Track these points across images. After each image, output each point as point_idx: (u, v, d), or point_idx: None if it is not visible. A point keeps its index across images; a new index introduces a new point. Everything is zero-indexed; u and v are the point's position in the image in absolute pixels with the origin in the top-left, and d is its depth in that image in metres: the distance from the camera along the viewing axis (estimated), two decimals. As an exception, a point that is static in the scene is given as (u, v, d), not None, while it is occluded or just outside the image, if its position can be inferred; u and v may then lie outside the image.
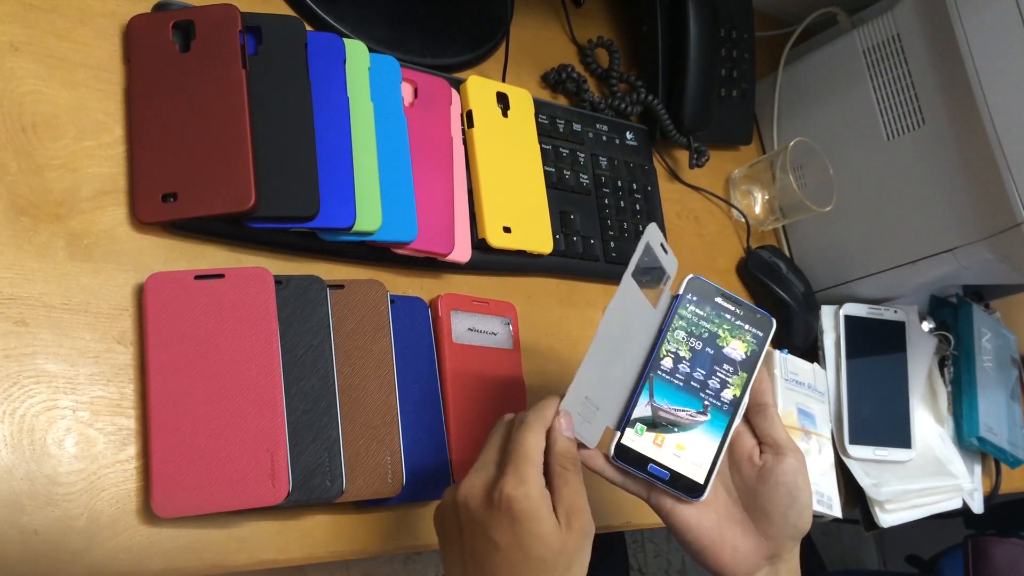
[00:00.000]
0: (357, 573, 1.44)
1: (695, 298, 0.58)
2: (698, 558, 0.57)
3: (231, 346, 0.55)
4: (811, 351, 0.93)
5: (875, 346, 0.94)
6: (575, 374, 0.53)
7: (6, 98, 0.53)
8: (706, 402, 0.56)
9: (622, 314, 0.55)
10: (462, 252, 0.67)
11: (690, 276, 0.58)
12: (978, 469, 1.01)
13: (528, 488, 0.50)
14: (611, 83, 0.89)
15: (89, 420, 0.51)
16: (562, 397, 0.53)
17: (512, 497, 0.50)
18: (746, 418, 0.59)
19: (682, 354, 0.57)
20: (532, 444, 0.52)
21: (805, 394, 0.87)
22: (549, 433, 0.53)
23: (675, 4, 0.86)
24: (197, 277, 0.55)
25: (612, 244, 0.79)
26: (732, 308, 0.58)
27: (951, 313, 1.03)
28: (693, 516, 0.56)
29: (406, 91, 0.69)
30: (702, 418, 0.56)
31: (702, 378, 0.57)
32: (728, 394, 0.57)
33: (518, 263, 0.73)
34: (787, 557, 0.58)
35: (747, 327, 0.58)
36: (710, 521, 0.56)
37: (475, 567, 0.50)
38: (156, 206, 0.55)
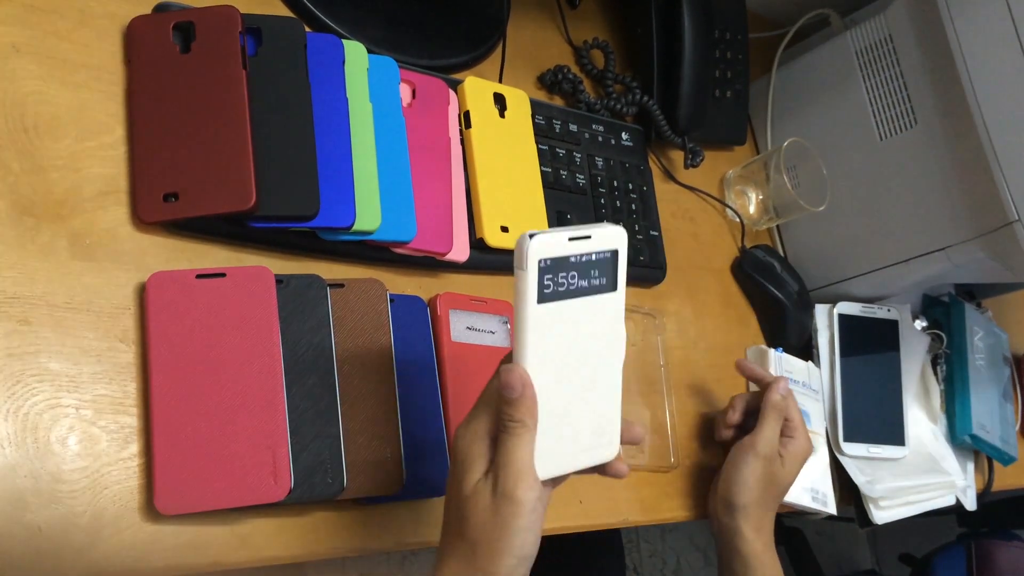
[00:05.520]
0: (354, 573, 1.44)
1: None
2: None
3: (232, 344, 0.55)
4: (805, 349, 0.94)
5: (869, 344, 0.95)
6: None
7: (8, 99, 0.54)
8: None
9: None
10: (460, 251, 0.68)
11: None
12: (971, 466, 1.02)
13: (464, 427, 0.49)
14: (606, 84, 0.89)
15: (92, 418, 0.51)
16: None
17: (455, 436, 0.49)
18: None
19: None
20: (492, 386, 0.49)
21: (800, 392, 0.87)
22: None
23: (669, 6, 0.87)
24: (198, 276, 0.55)
25: (608, 244, 0.79)
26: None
27: (943, 312, 1.04)
28: None
29: (404, 92, 0.69)
30: None
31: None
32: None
33: (516, 262, 0.73)
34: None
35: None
36: None
37: None
38: (157, 206, 0.55)
